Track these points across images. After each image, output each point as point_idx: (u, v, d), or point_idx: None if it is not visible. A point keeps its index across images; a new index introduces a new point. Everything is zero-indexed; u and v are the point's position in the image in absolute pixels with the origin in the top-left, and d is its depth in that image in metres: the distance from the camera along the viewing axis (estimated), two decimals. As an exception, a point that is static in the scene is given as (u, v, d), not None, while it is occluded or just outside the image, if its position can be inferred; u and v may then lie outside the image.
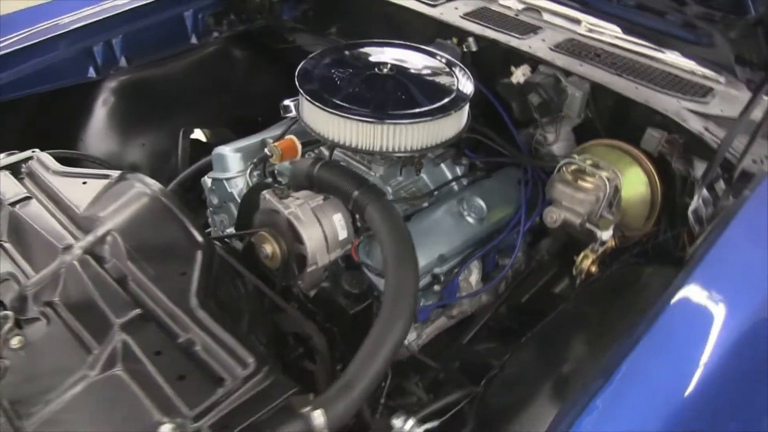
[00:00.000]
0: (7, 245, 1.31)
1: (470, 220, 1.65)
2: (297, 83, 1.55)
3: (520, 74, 1.78)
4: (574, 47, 1.87)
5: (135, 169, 1.94)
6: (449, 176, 1.79)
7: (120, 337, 1.07)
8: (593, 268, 1.43)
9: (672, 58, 1.85)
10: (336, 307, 1.40)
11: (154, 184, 1.36)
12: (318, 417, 0.99)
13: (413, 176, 1.74)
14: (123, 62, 2.00)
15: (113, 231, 1.25)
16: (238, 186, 1.77)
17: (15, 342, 1.12)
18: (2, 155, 1.52)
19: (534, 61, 1.80)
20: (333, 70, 1.63)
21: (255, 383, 1.01)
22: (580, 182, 1.46)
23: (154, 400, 0.98)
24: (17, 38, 1.84)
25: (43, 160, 1.48)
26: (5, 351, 1.11)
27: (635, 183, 1.60)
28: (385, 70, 1.62)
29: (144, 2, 2.03)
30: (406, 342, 1.54)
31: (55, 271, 1.20)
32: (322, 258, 1.40)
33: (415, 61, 1.68)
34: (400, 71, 1.62)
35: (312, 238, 1.37)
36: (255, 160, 1.65)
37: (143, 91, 2.03)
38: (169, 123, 2.07)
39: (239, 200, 1.77)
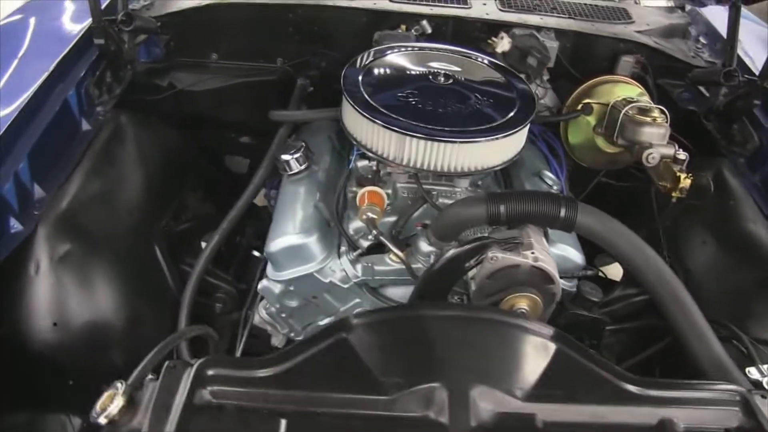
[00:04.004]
0: None
1: (556, 190, 1.68)
2: (368, 116, 1.35)
3: (505, 43, 1.79)
4: (516, 3, 1.95)
5: (142, 321, 1.41)
6: None
7: None
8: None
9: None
10: (586, 322, 1.34)
11: (422, 308, 1.05)
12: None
13: None
14: (37, 190, 1.32)
15: (462, 385, 0.94)
16: (335, 271, 1.42)
17: None
18: (115, 390, 0.93)
19: (506, 27, 1.83)
20: (398, 93, 1.42)
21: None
22: (657, 120, 1.62)
23: None
24: None
25: (219, 364, 0.96)
26: None
27: (644, 104, 1.84)
28: (442, 81, 1.49)
29: (29, 93, 1.34)
30: None
31: None
32: (560, 286, 1.31)
33: (466, 68, 1.57)
34: (457, 81, 1.50)
35: (556, 272, 1.26)
36: (375, 231, 1.34)
37: (84, 225, 1.38)
38: (132, 248, 1.47)
39: (343, 285, 1.43)
